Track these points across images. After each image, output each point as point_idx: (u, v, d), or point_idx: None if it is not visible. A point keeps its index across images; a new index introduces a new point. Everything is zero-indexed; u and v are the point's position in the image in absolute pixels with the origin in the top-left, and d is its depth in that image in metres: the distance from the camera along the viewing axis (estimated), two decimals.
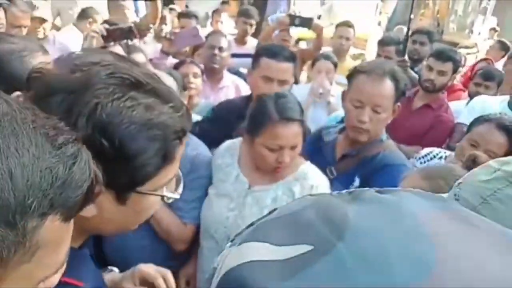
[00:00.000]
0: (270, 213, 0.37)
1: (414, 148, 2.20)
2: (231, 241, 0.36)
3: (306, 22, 3.00)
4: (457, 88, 3.09)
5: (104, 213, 0.63)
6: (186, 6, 6.94)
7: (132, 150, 0.60)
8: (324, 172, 1.60)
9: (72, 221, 0.48)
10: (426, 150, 1.86)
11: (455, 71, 2.44)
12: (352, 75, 1.60)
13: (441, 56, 2.41)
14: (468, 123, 2.23)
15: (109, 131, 0.58)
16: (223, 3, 7.47)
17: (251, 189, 1.48)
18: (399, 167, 1.54)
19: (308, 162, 1.51)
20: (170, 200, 0.72)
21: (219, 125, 1.89)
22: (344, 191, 0.36)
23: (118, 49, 2.07)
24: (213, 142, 1.82)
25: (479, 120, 1.74)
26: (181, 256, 1.65)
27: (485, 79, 2.83)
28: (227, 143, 1.61)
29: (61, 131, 0.47)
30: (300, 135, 1.44)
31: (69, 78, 0.58)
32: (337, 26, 3.57)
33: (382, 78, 1.52)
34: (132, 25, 2.19)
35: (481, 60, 4.00)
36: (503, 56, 4.76)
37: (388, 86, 1.53)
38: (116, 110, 0.58)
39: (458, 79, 2.98)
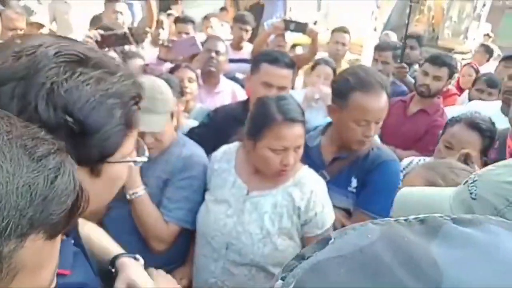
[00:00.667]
0: (324, 242, 0.31)
1: (410, 153, 2.21)
2: (282, 278, 0.31)
3: (301, 27, 3.01)
4: (452, 92, 3.10)
5: None
6: (183, 12, 6.96)
7: (96, 123, 0.60)
8: None
9: (58, 237, 0.45)
10: (406, 160, 1.86)
11: (450, 76, 2.45)
12: (344, 90, 1.57)
13: (436, 61, 2.42)
14: None
15: (70, 108, 0.58)
16: (221, 9, 7.51)
17: (249, 194, 1.46)
18: (394, 162, 1.63)
19: (305, 166, 1.51)
20: (139, 164, 0.75)
21: (215, 130, 1.87)
22: (411, 218, 0.32)
23: (113, 55, 2.06)
24: (209, 148, 1.81)
25: (452, 121, 1.76)
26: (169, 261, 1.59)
27: (488, 85, 2.84)
28: (223, 148, 1.60)
29: (41, 141, 0.43)
30: (303, 136, 1.45)
31: (14, 65, 0.57)
32: (333, 31, 3.59)
33: (380, 94, 1.55)
34: (127, 31, 2.18)
35: (465, 65, 4.03)
36: (487, 60, 4.84)
37: (385, 99, 1.57)
38: (72, 86, 0.58)
39: (452, 84, 2.99)
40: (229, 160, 1.53)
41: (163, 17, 3.77)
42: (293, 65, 1.89)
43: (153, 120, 1.44)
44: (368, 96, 1.53)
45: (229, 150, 1.57)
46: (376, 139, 1.72)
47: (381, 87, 1.55)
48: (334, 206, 1.53)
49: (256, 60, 1.90)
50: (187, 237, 1.60)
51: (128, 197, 1.46)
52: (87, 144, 0.60)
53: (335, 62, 3.15)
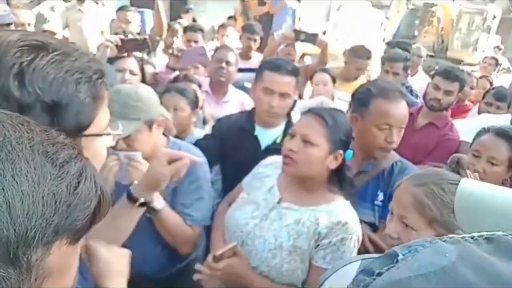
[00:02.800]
0: (390, 258, 0.31)
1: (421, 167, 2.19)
2: None
3: (311, 38, 3.03)
4: (468, 108, 3.09)
5: None
6: (194, 20, 7.02)
7: (67, 96, 0.64)
8: None
9: (80, 240, 0.45)
10: None
11: (460, 90, 2.44)
12: (365, 98, 1.64)
13: (449, 75, 2.41)
14: (468, 140, 2.25)
15: (41, 85, 0.61)
16: (229, 18, 7.56)
17: (280, 204, 1.46)
18: None
19: (343, 200, 1.44)
20: (115, 138, 0.79)
21: (220, 140, 1.88)
22: (476, 235, 0.31)
23: (132, 61, 2.09)
24: (215, 159, 1.81)
25: (480, 133, 1.77)
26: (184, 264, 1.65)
27: (497, 99, 2.82)
28: (274, 158, 1.58)
29: (61, 145, 0.44)
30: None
31: None
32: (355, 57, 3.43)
33: (400, 100, 1.61)
34: (147, 37, 2.20)
35: (480, 77, 4.01)
36: (494, 70, 4.84)
37: (404, 105, 1.63)
38: (38, 66, 0.62)
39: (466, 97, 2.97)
40: (276, 169, 1.53)
41: (177, 25, 3.81)
42: (296, 72, 1.88)
43: (122, 125, 1.44)
44: (389, 101, 1.60)
45: (278, 160, 1.53)
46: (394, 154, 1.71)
47: (400, 94, 1.63)
48: (360, 220, 1.51)
49: (260, 68, 1.91)
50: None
51: (147, 215, 1.45)
52: (63, 118, 0.64)
53: (351, 78, 3.18)
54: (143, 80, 2.16)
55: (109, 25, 3.60)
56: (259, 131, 1.90)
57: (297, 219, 1.41)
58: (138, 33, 3.33)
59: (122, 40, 2.08)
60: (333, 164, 1.42)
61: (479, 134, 1.77)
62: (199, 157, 1.60)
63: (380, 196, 1.61)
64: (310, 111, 1.44)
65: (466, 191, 0.71)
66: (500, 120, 2.28)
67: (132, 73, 2.09)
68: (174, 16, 9.43)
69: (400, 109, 1.61)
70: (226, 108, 2.68)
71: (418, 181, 1.08)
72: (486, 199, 0.70)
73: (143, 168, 1.42)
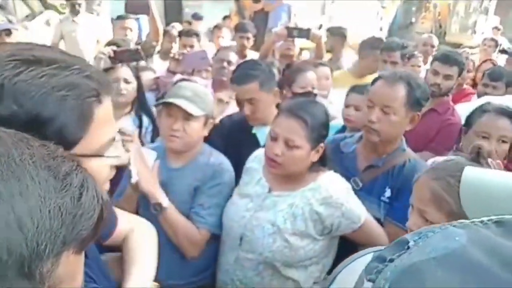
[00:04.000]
0: (401, 244, 0.31)
1: (423, 155, 2.17)
2: (370, 280, 0.31)
3: (304, 33, 3.01)
4: (468, 91, 3.05)
5: None
6: (189, 23, 7.01)
7: (47, 113, 0.62)
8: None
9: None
10: (430, 162, 1.85)
11: (460, 74, 2.41)
12: (373, 83, 1.68)
13: (447, 60, 2.38)
14: None
15: (20, 100, 0.60)
16: (224, 18, 7.56)
17: (270, 193, 1.53)
18: None
19: (330, 172, 1.53)
20: (112, 161, 0.73)
21: (223, 140, 1.90)
22: (485, 219, 0.32)
23: (125, 70, 2.09)
24: None
25: (477, 114, 1.74)
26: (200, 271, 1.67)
27: (492, 79, 2.79)
28: (260, 150, 1.65)
29: (62, 158, 0.45)
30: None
31: None
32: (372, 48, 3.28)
33: (395, 82, 1.59)
34: (139, 47, 2.21)
35: (484, 61, 3.96)
36: (494, 51, 4.77)
37: (399, 88, 1.58)
38: (22, 80, 0.60)
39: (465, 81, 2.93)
40: (260, 161, 1.58)
41: (174, 31, 3.81)
42: (256, 76, 1.92)
43: (189, 105, 1.56)
44: (382, 81, 1.62)
45: (262, 152, 1.60)
46: (405, 146, 1.69)
47: (398, 77, 1.60)
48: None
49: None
50: (216, 246, 1.65)
51: (153, 211, 1.53)
52: (42, 136, 0.60)
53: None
54: (139, 87, 2.16)
55: (113, 33, 3.58)
56: (257, 130, 1.95)
57: (290, 203, 1.48)
58: (138, 42, 3.35)
59: (114, 51, 2.09)
60: (316, 157, 1.50)
61: (476, 115, 1.74)
62: (230, 167, 1.71)
63: (388, 193, 1.60)
64: (288, 111, 1.47)
65: (469, 179, 0.70)
66: (503, 101, 2.25)
67: (126, 81, 2.09)
68: (169, 20, 9.45)
69: (388, 89, 1.58)
70: (230, 107, 2.68)
71: (436, 174, 1.06)
72: (488, 186, 0.69)
73: (133, 139, 1.61)
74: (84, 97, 0.65)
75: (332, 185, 1.48)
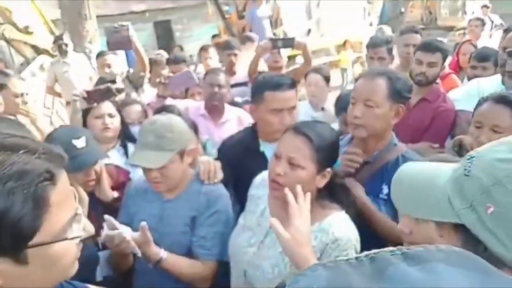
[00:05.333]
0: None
1: (420, 145, 2.16)
2: None
3: (288, 43, 3.03)
4: (447, 72, 3.02)
5: (12, 281, 0.62)
6: (181, 48, 7.10)
7: None
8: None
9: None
10: None
11: (444, 60, 2.40)
12: (259, 91, 1.75)
13: (429, 48, 2.38)
14: (467, 109, 2.20)
15: None
16: (214, 36, 7.66)
17: (272, 229, 1.42)
18: None
19: (340, 213, 1.39)
20: (76, 240, 0.70)
21: (227, 162, 1.83)
22: (363, 256, 0.33)
23: (107, 104, 2.13)
24: (225, 182, 1.77)
25: (479, 102, 1.71)
26: None
27: (479, 60, 2.77)
28: (264, 174, 1.53)
29: None
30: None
31: None
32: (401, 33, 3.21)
33: (374, 76, 1.60)
34: (109, 84, 2.25)
35: (464, 42, 3.94)
36: (482, 30, 4.73)
37: (379, 82, 1.59)
38: None
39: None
40: (266, 187, 1.46)
41: (162, 58, 3.86)
42: (294, 83, 1.89)
43: (155, 157, 1.51)
44: (362, 78, 1.64)
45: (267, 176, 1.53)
46: (396, 140, 1.68)
47: (377, 73, 1.63)
48: None
49: (258, 89, 1.88)
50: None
51: (152, 265, 1.51)
52: None
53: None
54: (123, 120, 2.19)
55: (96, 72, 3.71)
56: (265, 147, 1.88)
57: None
58: (127, 74, 3.41)
59: (87, 92, 2.14)
60: (322, 183, 1.39)
61: (478, 105, 1.71)
62: (224, 191, 1.67)
63: (385, 190, 1.58)
64: (294, 129, 1.39)
65: (399, 175, 0.72)
66: (491, 82, 2.24)
67: (110, 116, 2.12)
68: (161, 45, 9.57)
69: (368, 83, 1.60)
70: (226, 128, 2.68)
71: None
72: (411, 179, 0.70)
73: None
74: (35, 184, 0.62)
75: (337, 230, 1.32)
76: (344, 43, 8.20)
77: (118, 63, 3.62)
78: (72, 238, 0.67)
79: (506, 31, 2.81)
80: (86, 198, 1.64)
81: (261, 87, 1.86)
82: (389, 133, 1.66)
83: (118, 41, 2.83)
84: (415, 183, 0.68)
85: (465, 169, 0.61)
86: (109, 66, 3.46)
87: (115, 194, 1.79)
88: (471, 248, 0.57)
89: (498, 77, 2.22)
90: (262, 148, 1.88)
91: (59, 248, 0.65)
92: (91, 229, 0.73)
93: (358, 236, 1.35)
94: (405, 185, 0.69)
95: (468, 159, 0.63)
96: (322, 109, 3.13)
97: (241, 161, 1.78)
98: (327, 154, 1.37)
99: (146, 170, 1.57)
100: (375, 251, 0.34)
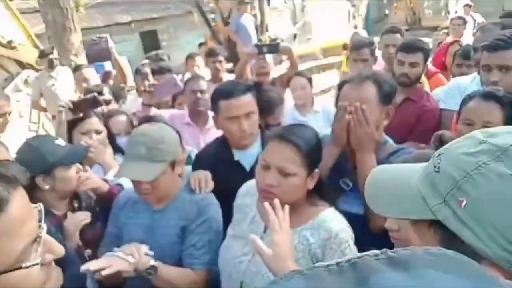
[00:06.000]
0: None
1: (407, 145, 2.17)
2: None
3: (273, 48, 3.05)
4: (433, 71, 3.05)
5: None
6: (168, 57, 7.08)
7: None
8: (338, 185, 1.60)
9: None
10: None
11: (426, 60, 2.43)
12: (340, 88, 1.66)
13: (410, 48, 2.40)
14: (450, 108, 2.22)
15: None
16: (200, 44, 7.66)
17: (266, 232, 1.41)
18: None
19: (330, 209, 1.41)
20: (37, 266, 0.65)
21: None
22: (344, 262, 0.31)
23: (93, 120, 2.11)
24: None
25: (465, 100, 1.71)
26: None
27: (464, 58, 2.81)
28: (249, 183, 1.56)
29: None
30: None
31: None
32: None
33: (362, 82, 1.58)
34: (96, 94, 2.23)
35: (452, 43, 4.00)
36: (464, 29, 4.80)
37: (368, 88, 1.57)
38: None
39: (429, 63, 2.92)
40: (253, 195, 1.49)
41: (146, 68, 3.85)
42: (249, 87, 1.87)
43: (147, 169, 1.50)
44: (349, 84, 1.61)
45: (254, 186, 1.51)
46: (386, 138, 1.68)
47: (364, 77, 1.60)
48: (360, 215, 1.50)
49: (214, 99, 1.88)
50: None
51: (147, 276, 1.47)
52: None
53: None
54: (110, 134, 2.17)
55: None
56: (238, 155, 1.87)
57: None
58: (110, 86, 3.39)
59: (73, 103, 2.12)
60: (312, 184, 1.40)
61: (464, 103, 1.71)
62: (214, 199, 1.65)
63: None
64: (279, 137, 1.38)
65: (370, 178, 0.73)
66: (469, 79, 2.26)
67: (97, 132, 2.10)
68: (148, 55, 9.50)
69: (357, 90, 1.57)
70: (212, 134, 2.67)
71: None
72: (385, 175, 0.71)
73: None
74: None
75: (333, 225, 1.35)
76: (344, 45, 8.24)
77: (95, 76, 3.61)
78: (28, 267, 0.62)
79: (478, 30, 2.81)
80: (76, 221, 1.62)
81: (216, 97, 1.87)
82: (381, 134, 1.65)
83: (97, 53, 2.82)
84: (389, 184, 0.68)
85: (434, 166, 0.62)
86: (85, 80, 3.44)
87: (106, 186, 1.78)
88: (449, 244, 0.58)
89: (475, 75, 2.25)
90: (236, 157, 1.87)
91: (15, 277, 0.61)
92: (59, 252, 0.66)
93: (350, 228, 1.38)
94: (379, 187, 0.69)
95: (437, 156, 0.64)
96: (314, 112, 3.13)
97: (218, 172, 1.75)
98: (314, 156, 1.39)
99: (136, 182, 1.55)
100: (358, 255, 0.31)
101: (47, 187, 1.60)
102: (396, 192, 0.65)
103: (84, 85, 3.40)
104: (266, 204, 1.23)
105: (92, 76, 3.51)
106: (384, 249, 0.33)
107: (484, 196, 0.56)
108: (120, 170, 1.60)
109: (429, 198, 0.60)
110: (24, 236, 0.62)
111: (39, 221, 0.66)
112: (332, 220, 1.36)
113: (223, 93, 1.84)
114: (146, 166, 1.49)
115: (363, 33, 5.18)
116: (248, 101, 1.81)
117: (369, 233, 1.47)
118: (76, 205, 1.72)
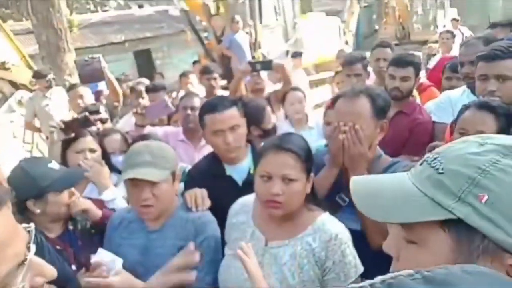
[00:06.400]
0: None
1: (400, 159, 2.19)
2: None
3: (266, 65, 3.10)
4: (427, 85, 3.09)
5: None
6: (161, 75, 7.12)
7: None
8: (335, 201, 1.60)
9: None
10: None
11: (417, 74, 2.46)
12: (334, 103, 1.68)
13: (400, 62, 2.44)
14: (441, 121, 2.25)
15: None
16: (194, 62, 7.72)
17: (268, 245, 1.43)
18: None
19: (324, 214, 1.46)
20: None
21: (197, 187, 1.82)
22: (378, 282, 0.30)
23: (87, 139, 2.10)
24: None
25: (461, 111, 1.73)
26: None
27: (453, 71, 2.85)
28: (240, 200, 1.57)
29: None
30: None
31: None
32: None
33: (356, 97, 1.59)
34: (87, 113, 2.24)
35: (450, 58, 4.06)
36: (453, 42, 4.87)
37: (362, 102, 1.58)
38: None
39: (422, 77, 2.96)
40: (247, 212, 1.51)
41: (140, 86, 3.87)
42: (233, 102, 1.89)
43: (152, 173, 1.50)
44: (343, 99, 1.63)
45: (246, 202, 1.54)
46: (381, 152, 1.69)
47: (358, 92, 1.61)
48: (358, 230, 1.50)
49: (200, 115, 1.91)
50: None
51: None
52: None
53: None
54: (104, 152, 2.17)
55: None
56: (230, 170, 1.87)
57: (291, 254, 1.39)
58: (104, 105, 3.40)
59: (64, 123, 2.11)
60: (309, 188, 1.45)
61: (460, 112, 1.73)
62: (211, 216, 1.64)
63: None
64: (276, 147, 1.41)
65: (356, 192, 0.74)
66: (458, 93, 2.30)
67: (92, 151, 2.09)
68: (142, 74, 9.60)
69: (352, 106, 1.59)
70: (206, 151, 2.67)
71: None
72: (372, 185, 0.72)
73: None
74: None
75: (332, 227, 1.40)
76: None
77: (90, 95, 3.62)
78: None
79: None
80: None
81: (202, 112, 1.91)
82: (375, 147, 1.67)
83: (90, 74, 2.83)
84: (385, 191, 0.68)
85: (435, 169, 0.62)
86: (81, 97, 3.45)
87: (100, 212, 1.76)
88: (467, 241, 0.58)
89: (464, 88, 2.29)
90: (228, 172, 1.87)
91: None
92: (50, 274, 0.62)
93: (346, 229, 1.43)
94: (373, 196, 0.70)
95: (432, 160, 0.64)
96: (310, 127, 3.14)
97: (210, 188, 1.74)
98: (310, 161, 1.44)
99: (135, 195, 1.53)
100: (391, 275, 0.31)
101: (38, 211, 1.57)
102: (396, 197, 0.65)
103: (79, 101, 3.41)
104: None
105: (87, 94, 3.52)
106: (417, 269, 0.32)
107: (508, 190, 0.57)
108: (124, 174, 1.57)
109: (441, 198, 0.60)
110: (8, 259, 0.57)
111: (28, 242, 0.61)
112: (330, 223, 1.42)
113: (208, 108, 1.87)
114: (151, 171, 1.50)
115: (348, 50, 5.25)
116: (232, 114, 1.83)
117: (369, 249, 1.47)
118: (71, 227, 1.70)
